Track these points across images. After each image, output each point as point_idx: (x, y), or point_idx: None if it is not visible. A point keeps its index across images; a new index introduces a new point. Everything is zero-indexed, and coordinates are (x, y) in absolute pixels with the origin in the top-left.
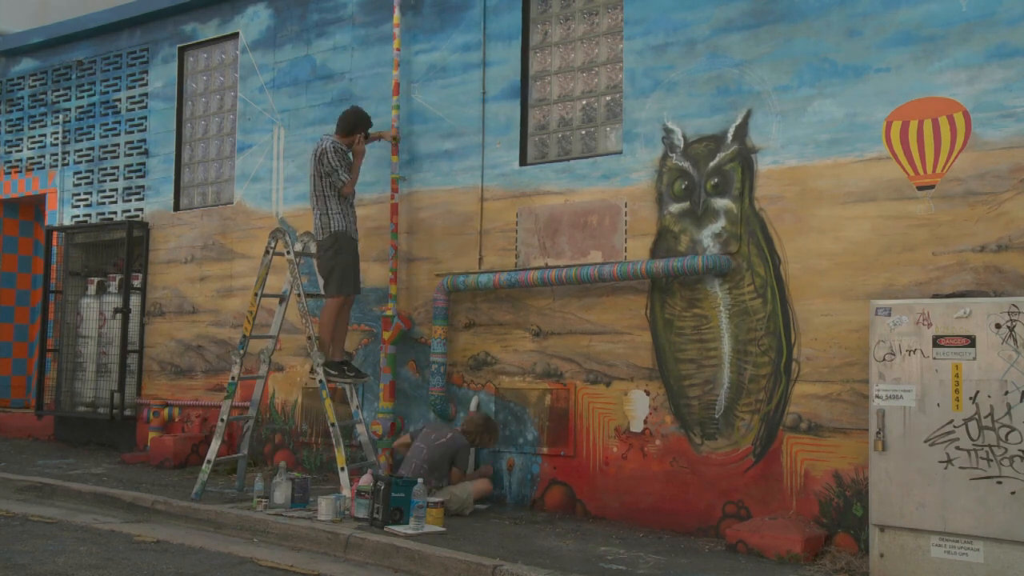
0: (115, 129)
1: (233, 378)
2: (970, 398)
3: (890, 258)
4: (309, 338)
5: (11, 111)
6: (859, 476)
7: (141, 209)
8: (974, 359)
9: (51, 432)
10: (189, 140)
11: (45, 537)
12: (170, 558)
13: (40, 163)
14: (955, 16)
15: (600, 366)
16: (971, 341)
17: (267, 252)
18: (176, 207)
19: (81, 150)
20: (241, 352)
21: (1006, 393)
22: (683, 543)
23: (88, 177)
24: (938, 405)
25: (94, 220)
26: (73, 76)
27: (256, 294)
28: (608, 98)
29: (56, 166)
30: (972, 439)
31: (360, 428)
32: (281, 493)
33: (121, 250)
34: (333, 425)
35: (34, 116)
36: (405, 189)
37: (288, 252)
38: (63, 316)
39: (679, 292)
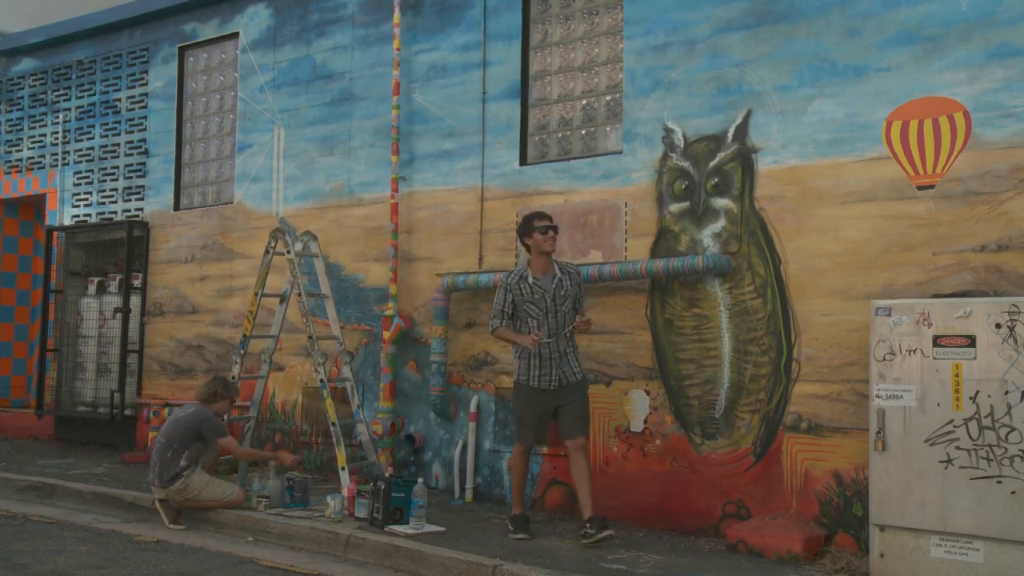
0: (115, 129)
1: (233, 377)
2: (970, 398)
3: (890, 258)
4: (310, 337)
5: (11, 111)
6: (859, 476)
7: (141, 209)
8: (974, 359)
9: (51, 432)
10: (189, 140)
11: (45, 537)
12: (170, 558)
13: (40, 163)
14: (955, 16)
15: (600, 366)
16: (971, 341)
17: (267, 252)
18: (176, 207)
19: (81, 150)
20: (241, 352)
21: (1006, 393)
22: (683, 543)
23: (88, 177)
24: (938, 405)
25: (94, 220)
26: (73, 76)
27: (256, 294)
28: (608, 98)
29: (56, 166)
30: (972, 439)
31: (360, 428)
32: (271, 491)
33: (121, 250)
34: (334, 424)
35: (34, 116)
36: (405, 189)
37: (288, 252)
38: (63, 316)
39: (679, 292)
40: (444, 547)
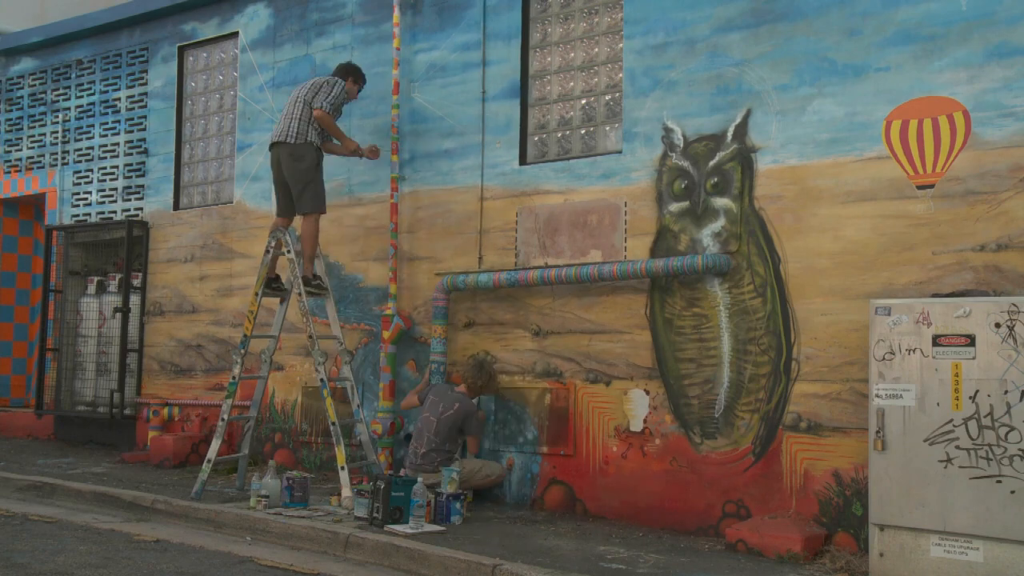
0: (115, 128)
1: (234, 377)
2: (970, 397)
3: (890, 257)
4: (310, 337)
5: (11, 110)
6: (859, 475)
7: (141, 208)
8: (974, 358)
9: (51, 431)
10: (189, 139)
11: (45, 536)
12: (170, 557)
13: (40, 162)
14: (955, 15)
15: (600, 365)
16: (971, 340)
17: (267, 251)
18: (176, 206)
19: (81, 149)
20: (242, 351)
21: (1006, 392)
22: (683, 542)
23: (88, 176)
24: (938, 404)
25: (94, 219)
26: (73, 75)
27: (257, 293)
28: (608, 97)
29: (56, 165)
30: (972, 438)
31: (360, 427)
32: (269, 490)
33: (121, 249)
34: (334, 424)
35: (34, 115)
36: (405, 188)
37: (288, 251)
38: (63, 315)
39: (679, 291)
40: (444, 546)
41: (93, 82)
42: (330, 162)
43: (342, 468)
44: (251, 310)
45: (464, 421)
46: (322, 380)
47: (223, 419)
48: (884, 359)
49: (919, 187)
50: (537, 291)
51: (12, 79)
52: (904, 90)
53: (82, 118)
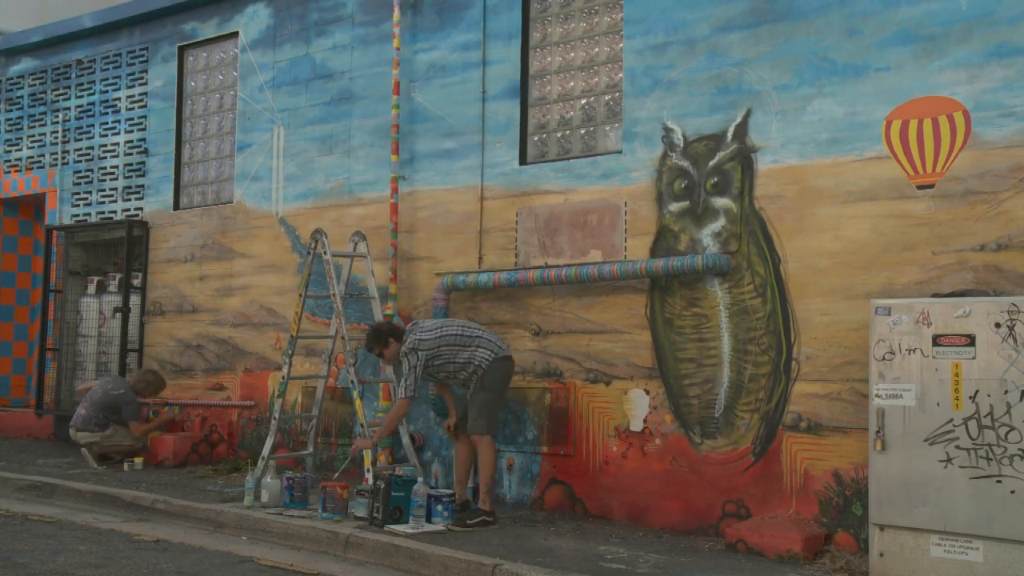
0: (115, 128)
1: (283, 378)
2: (970, 397)
3: (890, 257)
4: (343, 338)
5: (11, 110)
6: (859, 475)
7: (141, 208)
8: (974, 358)
9: (51, 431)
10: (189, 139)
11: (45, 536)
12: (170, 557)
13: (40, 162)
14: (955, 15)
15: (600, 365)
16: (971, 340)
17: (308, 253)
18: (176, 206)
19: (81, 149)
20: (290, 352)
21: (1006, 392)
22: (683, 542)
23: (88, 176)
24: (938, 404)
25: (94, 219)
26: (73, 75)
27: (301, 295)
28: (608, 97)
29: (56, 165)
30: (972, 438)
31: (360, 428)
32: (268, 492)
33: (121, 249)
34: (362, 426)
35: (34, 115)
36: (405, 188)
37: (326, 253)
38: (63, 315)
39: (679, 291)
40: (444, 546)
41: (93, 82)
42: (330, 162)
43: (368, 470)
44: (296, 312)
45: (124, 405)
46: (352, 382)
47: (275, 418)
48: (884, 359)
49: (919, 187)
50: (537, 291)
51: (12, 79)
52: (904, 90)
53: (82, 118)
